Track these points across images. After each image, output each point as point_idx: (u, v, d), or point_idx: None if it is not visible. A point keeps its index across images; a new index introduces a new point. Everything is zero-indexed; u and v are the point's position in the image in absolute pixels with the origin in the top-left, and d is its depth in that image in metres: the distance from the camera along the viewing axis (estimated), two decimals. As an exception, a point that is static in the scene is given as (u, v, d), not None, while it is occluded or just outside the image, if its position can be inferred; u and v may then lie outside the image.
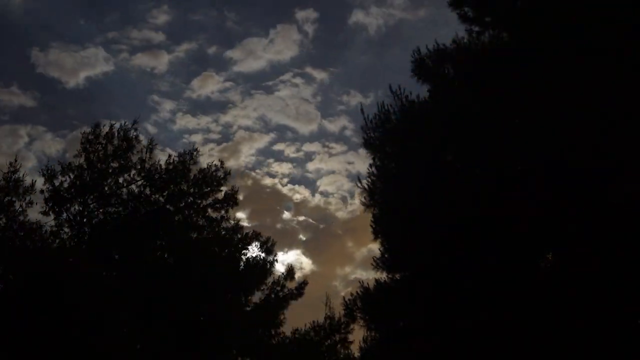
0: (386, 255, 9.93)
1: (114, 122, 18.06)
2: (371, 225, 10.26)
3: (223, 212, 18.89)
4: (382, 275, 10.04)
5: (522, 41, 9.15)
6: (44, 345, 14.71)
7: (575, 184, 7.95)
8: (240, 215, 28.04)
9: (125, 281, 16.22)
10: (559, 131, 8.19)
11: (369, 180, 10.10)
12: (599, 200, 7.76)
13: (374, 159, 10.19)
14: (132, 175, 18.03)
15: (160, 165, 18.22)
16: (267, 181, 33.63)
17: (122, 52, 34.58)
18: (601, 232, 7.76)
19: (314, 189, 38.94)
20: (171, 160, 18.38)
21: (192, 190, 18.49)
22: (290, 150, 35.19)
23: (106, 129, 17.93)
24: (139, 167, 18.05)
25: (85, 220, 17.25)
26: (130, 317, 15.51)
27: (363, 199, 10.15)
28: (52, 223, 17.03)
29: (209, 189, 18.64)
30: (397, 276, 10.02)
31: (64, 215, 17.21)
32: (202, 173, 18.63)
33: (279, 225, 32.33)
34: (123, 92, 34.39)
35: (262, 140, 34.80)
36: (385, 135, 10.07)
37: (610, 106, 7.94)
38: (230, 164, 30.66)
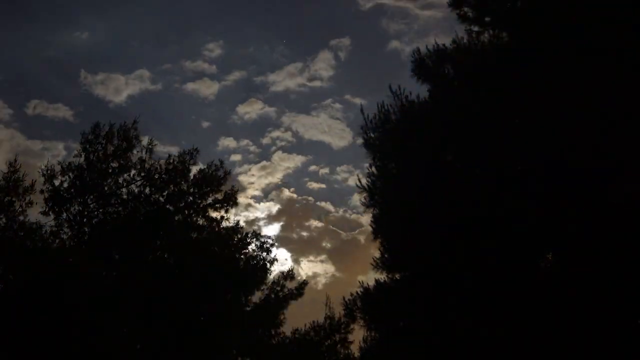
0: (386, 255, 9.92)
1: (114, 122, 18.07)
2: (371, 226, 10.27)
3: (223, 212, 18.90)
4: (382, 275, 10.04)
5: (522, 41, 9.14)
6: (44, 345, 14.71)
7: (575, 184, 7.95)
8: (276, 226, 32.81)
9: (125, 281, 16.22)
10: (559, 131, 8.19)
11: (369, 180, 10.10)
12: (599, 200, 7.76)
13: (374, 159, 10.19)
14: (132, 175, 18.03)
15: (160, 165, 18.22)
16: (301, 196, 36.59)
17: (174, 82, 38.53)
18: (601, 232, 7.76)
19: (343, 203, 41.81)
20: (171, 160, 18.38)
21: (192, 190, 18.48)
22: (323, 170, 37.81)
23: (106, 128, 17.93)
24: (139, 167, 18.05)
25: (85, 220, 17.25)
26: (130, 317, 15.51)
27: (363, 199, 10.15)
28: (52, 223, 17.05)
29: (209, 189, 18.64)
30: (397, 276, 10.02)
31: (64, 215, 17.21)
32: (202, 173, 18.62)
33: (306, 233, 35.07)
34: (170, 115, 37.71)
35: (298, 160, 37.37)
36: (385, 135, 10.06)
37: (610, 106, 7.94)
38: (267, 180, 35.34)
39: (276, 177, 36.43)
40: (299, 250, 35.03)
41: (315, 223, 35.25)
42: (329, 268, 32.65)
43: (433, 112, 9.72)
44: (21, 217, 16.41)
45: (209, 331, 16.77)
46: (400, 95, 9.98)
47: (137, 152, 18.10)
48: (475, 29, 9.90)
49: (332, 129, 39.12)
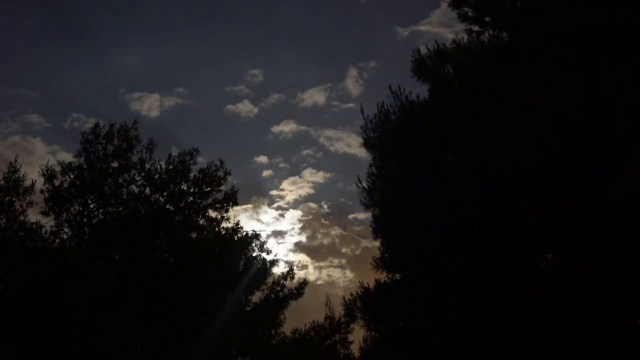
0: (386, 255, 9.92)
1: (114, 122, 18.06)
2: (371, 226, 10.26)
3: (223, 212, 18.90)
4: (382, 275, 10.04)
5: (522, 41, 9.15)
6: (44, 345, 14.72)
7: (575, 183, 7.95)
8: (302, 236, 34.73)
9: (125, 281, 16.22)
10: (559, 131, 8.19)
11: (369, 180, 10.09)
12: (599, 200, 7.76)
13: (374, 159, 10.19)
14: (132, 175, 18.03)
15: (161, 165, 18.22)
16: (325, 209, 38.38)
17: (215, 103, 42.00)
18: (601, 232, 7.76)
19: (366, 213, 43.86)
20: (171, 160, 18.38)
21: (192, 190, 18.48)
22: (348, 183, 40.22)
23: (106, 129, 17.93)
24: (139, 167, 18.05)
25: (85, 220, 17.25)
26: (130, 317, 15.51)
27: (363, 199, 10.15)
28: (52, 223, 17.05)
29: (209, 189, 18.64)
30: (397, 276, 10.02)
31: (64, 215, 17.21)
32: (202, 173, 18.61)
33: (327, 241, 36.71)
34: (207, 133, 40.03)
35: (326, 175, 39.21)
36: (385, 135, 10.06)
37: (610, 106, 7.94)
38: (295, 194, 37.61)
39: (305, 191, 38.44)
40: (320, 256, 37.74)
41: (338, 231, 37.25)
42: (348, 274, 34.15)
43: (433, 112, 9.72)
44: (21, 217, 16.42)
45: (209, 331, 16.77)
46: (400, 95, 9.98)
47: (137, 152, 18.11)
48: (475, 29, 9.90)
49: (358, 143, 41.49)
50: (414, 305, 9.36)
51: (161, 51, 42.11)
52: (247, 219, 31.67)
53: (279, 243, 33.69)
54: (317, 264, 36.43)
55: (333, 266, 36.00)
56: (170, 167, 18.26)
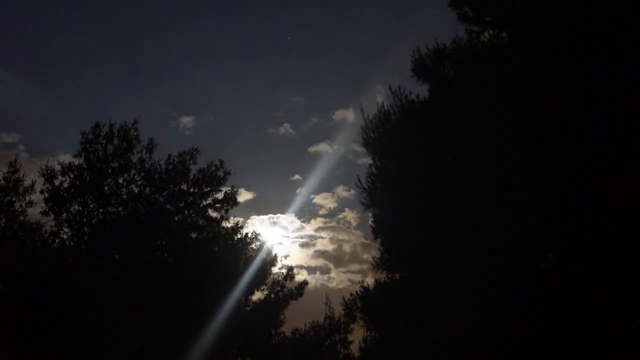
0: (386, 255, 9.92)
1: (114, 122, 18.07)
2: (371, 226, 10.26)
3: (223, 212, 18.91)
4: (382, 275, 10.03)
5: (522, 41, 9.14)
6: (44, 345, 14.72)
7: (576, 183, 7.94)
8: (325, 243, 37.36)
9: (125, 281, 16.22)
10: (559, 131, 8.19)
11: (369, 180, 10.09)
12: (599, 200, 7.76)
13: (374, 159, 10.18)
14: (132, 175, 18.05)
15: (160, 165, 18.24)
16: (351, 220, 40.30)
17: (257, 127, 45.98)
18: (601, 232, 7.75)
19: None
20: (171, 160, 18.38)
21: (192, 190, 18.49)
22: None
23: (106, 128, 17.93)
24: (139, 167, 18.06)
25: (85, 220, 17.26)
26: (130, 317, 15.51)
27: (363, 199, 10.14)
28: (52, 223, 17.06)
29: (209, 189, 18.65)
30: (397, 276, 10.01)
31: (64, 215, 17.23)
32: (202, 173, 18.63)
33: (349, 249, 38.04)
34: (246, 154, 43.08)
35: (353, 192, 39.73)
36: (385, 135, 10.06)
37: (611, 106, 7.94)
38: (328, 207, 39.66)
39: (333, 203, 41.26)
40: (341, 262, 40.79)
41: (361, 239, 38.73)
42: (369, 280, 35.38)
43: (433, 112, 9.71)
44: (21, 217, 16.42)
45: (209, 331, 16.78)
46: (400, 95, 9.97)
47: (137, 152, 18.11)
48: (475, 29, 9.89)
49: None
50: (414, 305, 9.35)
51: (208, 79, 45.99)
52: (269, 226, 33.00)
53: (302, 247, 35.96)
54: (339, 270, 39.83)
55: (352, 272, 37.31)
56: (170, 167, 18.28)
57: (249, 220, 39.07)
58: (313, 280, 34.85)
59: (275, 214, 34.55)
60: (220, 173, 18.79)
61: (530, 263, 8.64)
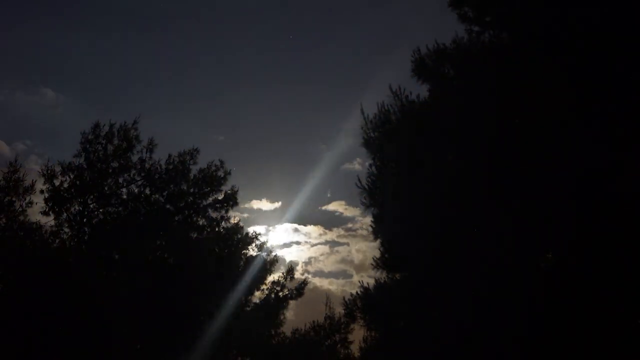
0: (386, 255, 9.92)
1: (113, 122, 18.06)
2: (371, 226, 10.26)
3: (223, 212, 18.90)
4: (382, 275, 10.03)
5: (523, 41, 9.14)
6: (44, 345, 14.72)
7: (576, 183, 7.94)
8: (346, 249, 38.04)
9: (125, 281, 16.22)
10: (559, 131, 8.19)
11: (369, 180, 10.09)
12: (599, 200, 7.76)
13: (374, 159, 10.19)
14: (132, 175, 18.03)
15: (160, 165, 18.23)
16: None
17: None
18: (601, 232, 7.76)
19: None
20: (171, 160, 18.38)
21: (192, 190, 18.49)
22: None
23: (106, 128, 17.92)
24: (139, 167, 18.05)
25: (85, 220, 17.26)
26: (130, 317, 15.51)
27: (363, 199, 10.14)
28: (52, 223, 17.05)
29: (209, 189, 18.64)
30: (397, 276, 10.01)
31: (64, 215, 17.22)
32: (202, 173, 18.62)
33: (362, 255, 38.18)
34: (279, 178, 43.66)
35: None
36: (385, 135, 10.06)
37: (610, 105, 7.94)
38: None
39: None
40: (360, 267, 40.06)
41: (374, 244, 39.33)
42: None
43: (433, 112, 9.71)
44: (21, 217, 16.41)
45: (209, 331, 16.79)
46: (400, 95, 9.97)
47: (137, 152, 18.10)
48: (476, 29, 9.89)
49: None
50: (414, 305, 9.35)
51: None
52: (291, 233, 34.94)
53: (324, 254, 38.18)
54: (360, 274, 40.37)
55: (370, 277, 38.04)
56: (170, 167, 18.27)
57: (271, 227, 39.74)
58: (333, 286, 35.85)
59: (302, 224, 36.25)
60: (221, 173, 18.78)
61: (530, 263, 8.64)
